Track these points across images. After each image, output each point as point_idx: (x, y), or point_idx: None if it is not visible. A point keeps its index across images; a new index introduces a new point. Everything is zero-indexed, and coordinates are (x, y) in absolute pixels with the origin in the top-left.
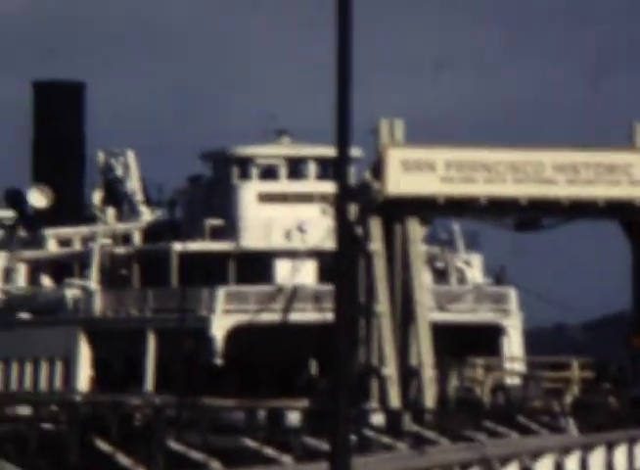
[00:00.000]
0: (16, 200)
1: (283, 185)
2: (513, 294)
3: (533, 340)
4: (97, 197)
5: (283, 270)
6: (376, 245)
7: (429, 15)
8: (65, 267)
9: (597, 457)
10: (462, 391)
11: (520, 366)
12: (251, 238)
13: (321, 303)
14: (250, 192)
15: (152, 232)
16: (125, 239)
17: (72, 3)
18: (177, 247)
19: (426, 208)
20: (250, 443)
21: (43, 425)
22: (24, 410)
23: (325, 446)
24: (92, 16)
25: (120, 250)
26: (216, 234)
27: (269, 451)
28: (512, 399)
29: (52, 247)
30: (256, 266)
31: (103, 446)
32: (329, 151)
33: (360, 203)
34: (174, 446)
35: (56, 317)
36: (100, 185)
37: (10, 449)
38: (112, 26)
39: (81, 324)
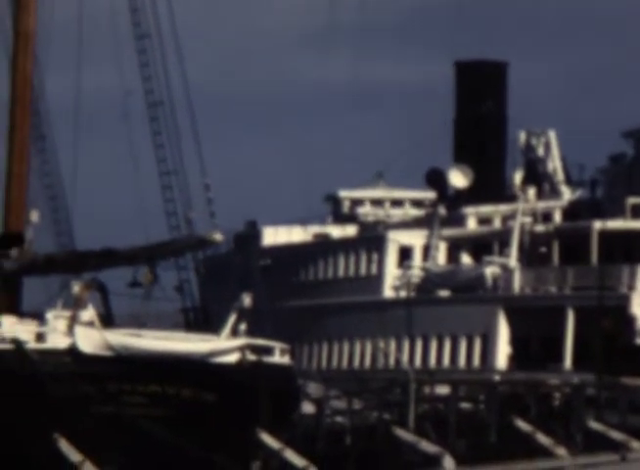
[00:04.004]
0: (437, 179)
1: None
2: None
3: None
4: (518, 176)
5: None
6: None
7: None
8: (484, 245)
9: None
10: None
11: None
12: None
13: None
14: None
15: (572, 211)
16: (545, 217)
17: None
18: (597, 225)
19: None
20: None
21: (462, 404)
22: (443, 389)
23: None
24: None
25: (540, 228)
26: (637, 212)
27: None
28: None
29: (472, 225)
30: None
31: (522, 425)
32: None
33: None
34: (594, 425)
35: (475, 295)
36: (521, 165)
37: (429, 429)
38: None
39: (500, 302)
